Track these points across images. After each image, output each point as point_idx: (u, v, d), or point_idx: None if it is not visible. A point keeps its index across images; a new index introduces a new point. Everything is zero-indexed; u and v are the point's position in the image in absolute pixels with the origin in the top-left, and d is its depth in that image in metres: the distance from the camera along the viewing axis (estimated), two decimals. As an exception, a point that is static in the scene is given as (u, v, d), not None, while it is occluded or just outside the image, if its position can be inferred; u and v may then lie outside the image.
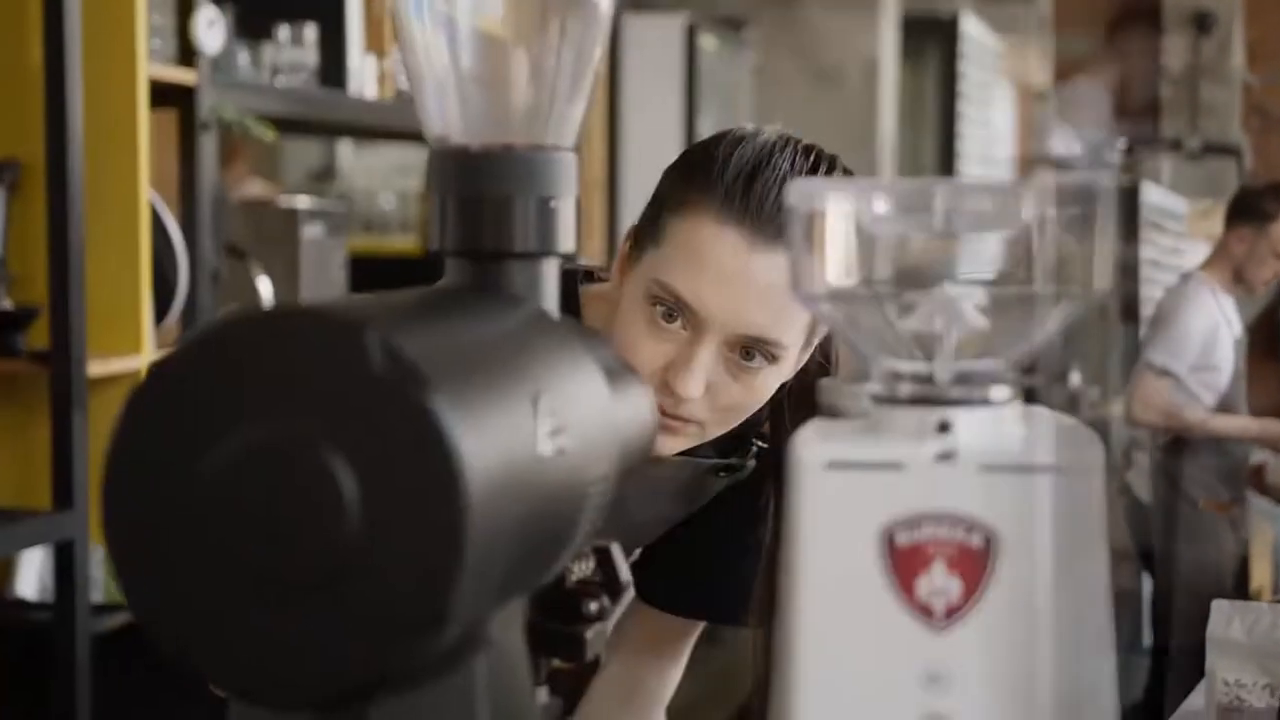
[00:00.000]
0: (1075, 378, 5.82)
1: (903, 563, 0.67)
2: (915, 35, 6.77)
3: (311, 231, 3.08)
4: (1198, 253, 8.58)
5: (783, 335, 1.22)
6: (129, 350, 2.53)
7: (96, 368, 2.45)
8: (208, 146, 2.71)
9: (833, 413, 0.79)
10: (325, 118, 3.27)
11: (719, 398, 1.24)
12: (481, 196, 0.80)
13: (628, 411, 0.83)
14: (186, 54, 2.69)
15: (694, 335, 1.22)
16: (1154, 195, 7.14)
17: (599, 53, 0.84)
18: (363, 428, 0.61)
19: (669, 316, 1.22)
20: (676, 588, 1.45)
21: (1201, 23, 9.17)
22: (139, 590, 0.63)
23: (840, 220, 0.71)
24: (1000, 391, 0.70)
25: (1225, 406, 4.34)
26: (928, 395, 0.70)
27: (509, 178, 0.80)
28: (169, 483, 0.63)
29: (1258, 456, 4.63)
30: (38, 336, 2.42)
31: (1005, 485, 0.68)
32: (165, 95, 2.66)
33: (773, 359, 1.23)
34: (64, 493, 2.36)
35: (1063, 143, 5.57)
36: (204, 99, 2.69)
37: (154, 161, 2.61)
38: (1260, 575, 5.93)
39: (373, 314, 0.64)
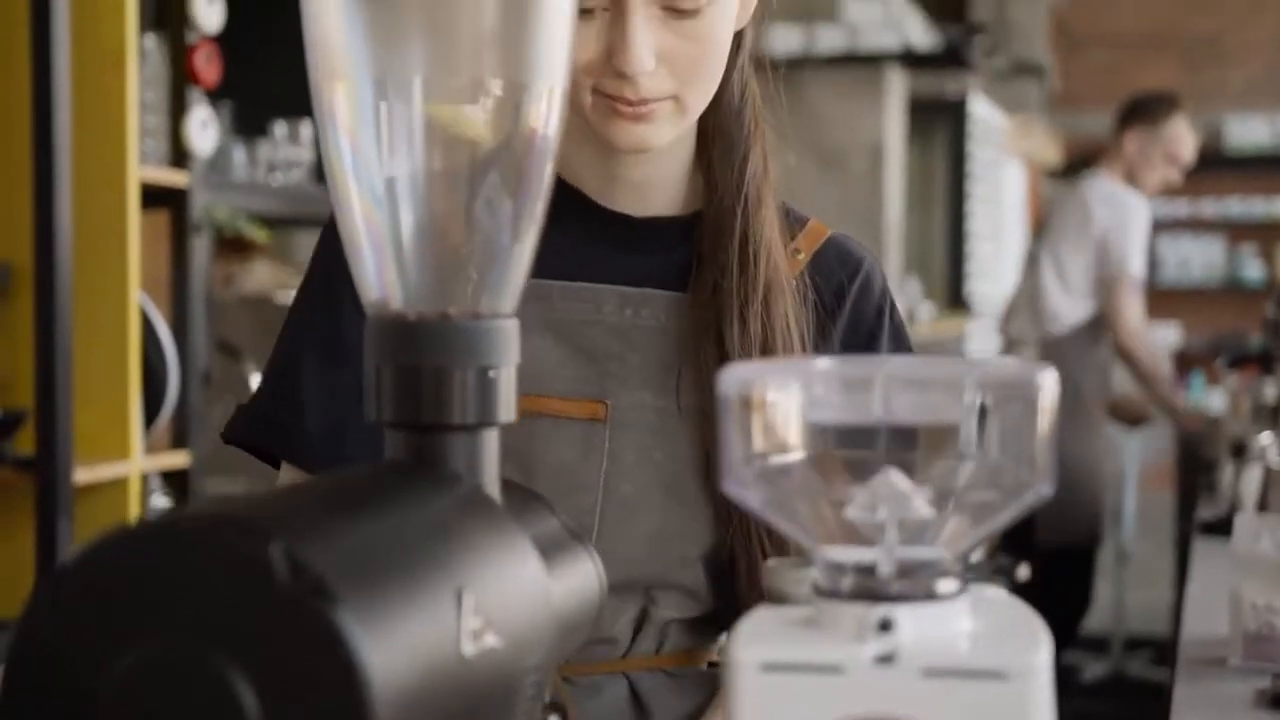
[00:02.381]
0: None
1: (840, 774, 0.64)
2: (923, 117, 6.78)
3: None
4: (1014, 168, 8.60)
5: None
6: (117, 456, 2.51)
7: (84, 474, 2.42)
8: (200, 248, 2.70)
9: (777, 598, 0.76)
10: (320, 215, 3.27)
11: (675, 61, 1.14)
12: (419, 366, 0.78)
13: (567, 588, 0.80)
14: (179, 155, 2.68)
15: (615, 9, 1.12)
16: (979, 108, 7.15)
17: (539, 216, 0.82)
18: (265, 643, 0.58)
19: (588, 5, 1.13)
20: None
21: None
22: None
23: (775, 405, 0.69)
24: (946, 584, 0.67)
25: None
26: (869, 589, 0.67)
27: (447, 348, 0.78)
28: (67, 696, 0.60)
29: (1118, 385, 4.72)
30: (24, 442, 2.40)
31: (948, 690, 0.65)
32: (158, 196, 2.65)
33: None
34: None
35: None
36: (196, 200, 2.68)
37: (146, 261, 2.60)
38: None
39: (282, 517, 0.62)
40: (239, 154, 2.94)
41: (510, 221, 0.81)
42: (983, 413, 0.67)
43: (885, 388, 0.67)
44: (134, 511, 2.53)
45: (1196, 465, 4.65)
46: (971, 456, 0.68)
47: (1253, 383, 4.33)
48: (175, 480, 2.76)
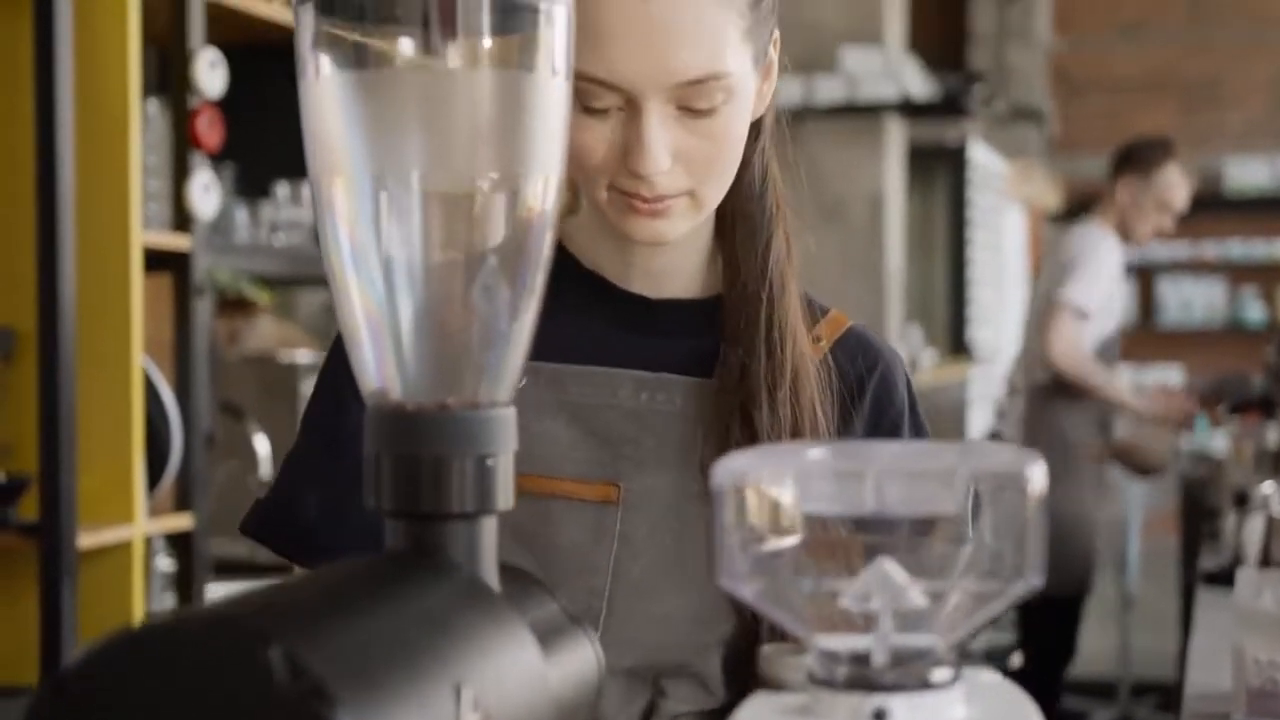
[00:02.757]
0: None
1: None
2: (923, 164, 6.81)
3: (311, 387, 3.07)
4: (1016, 214, 8.62)
5: (720, 64, 1.11)
6: (121, 520, 2.51)
7: (87, 539, 2.43)
8: (202, 310, 2.71)
9: (773, 684, 0.77)
10: (322, 275, 3.27)
11: (691, 159, 1.14)
12: (418, 456, 0.78)
13: (565, 672, 0.81)
14: (182, 218, 2.70)
15: (630, 109, 1.11)
16: (979, 154, 7.17)
17: (537, 304, 0.83)
18: (266, 745, 0.59)
19: (600, 105, 1.12)
20: None
21: None
22: None
23: (769, 496, 0.69)
24: (940, 673, 0.68)
25: (1103, 357, 4.43)
26: (864, 679, 0.68)
27: (445, 437, 0.79)
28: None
29: (1121, 429, 4.68)
30: (28, 508, 2.40)
31: (942, 782, 0.65)
32: (160, 259, 2.67)
33: (727, 94, 1.13)
34: (53, 669, 2.33)
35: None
36: (199, 263, 2.69)
37: (149, 324, 2.61)
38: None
39: (281, 618, 0.62)
40: (241, 215, 2.96)
41: (508, 309, 0.82)
42: (975, 503, 0.68)
43: (878, 479, 0.68)
44: (138, 576, 2.54)
45: (1199, 512, 4.64)
46: (965, 547, 0.69)
47: (1255, 428, 4.33)
48: (179, 542, 2.77)
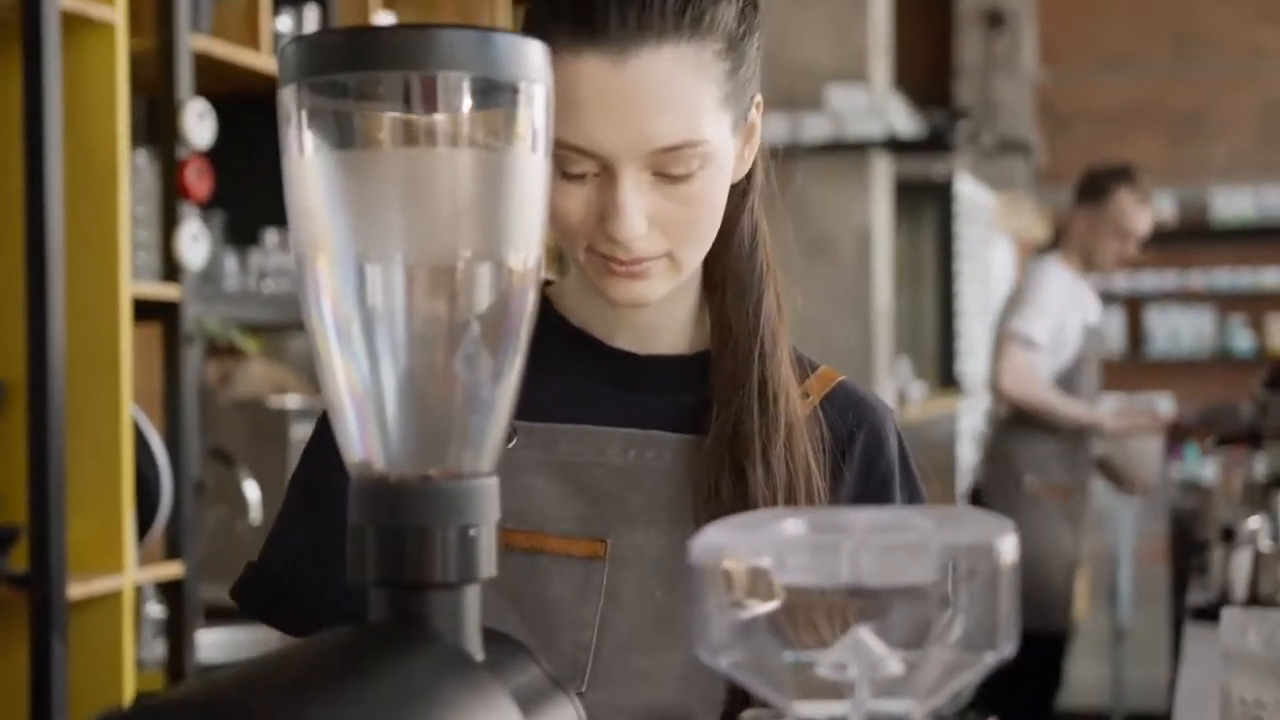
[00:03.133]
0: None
1: None
2: (910, 198, 6.85)
3: (301, 431, 3.08)
4: (1004, 246, 8.65)
5: (695, 132, 1.12)
6: (111, 569, 2.52)
7: (77, 589, 2.43)
8: (192, 359, 2.72)
9: (754, 751, 0.78)
10: (312, 320, 3.29)
11: (668, 223, 1.14)
12: (401, 528, 0.80)
13: (550, 739, 0.82)
14: (171, 268, 2.71)
15: (606, 175, 1.13)
16: (966, 188, 7.20)
17: (518, 375, 0.84)
18: (251, 825, 0.60)
19: (577, 170, 1.13)
20: None
21: (993, 20, 9.30)
22: None
23: (746, 569, 0.71)
24: (916, 740, 0.69)
25: (1064, 386, 4.39)
26: (841, 747, 0.69)
27: (428, 509, 0.80)
28: None
29: (1100, 448, 4.66)
30: (18, 558, 2.41)
31: None
32: (150, 309, 2.68)
33: (703, 159, 1.13)
34: None
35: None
36: (188, 313, 2.71)
37: (138, 374, 2.62)
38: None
39: (264, 696, 0.63)
40: (230, 262, 2.97)
41: (490, 379, 0.83)
42: (950, 575, 0.69)
43: (853, 551, 0.70)
44: (128, 625, 2.54)
45: (1189, 543, 4.64)
46: (940, 616, 0.70)
47: (1243, 458, 4.34)
48: (169, 589, 2.77)
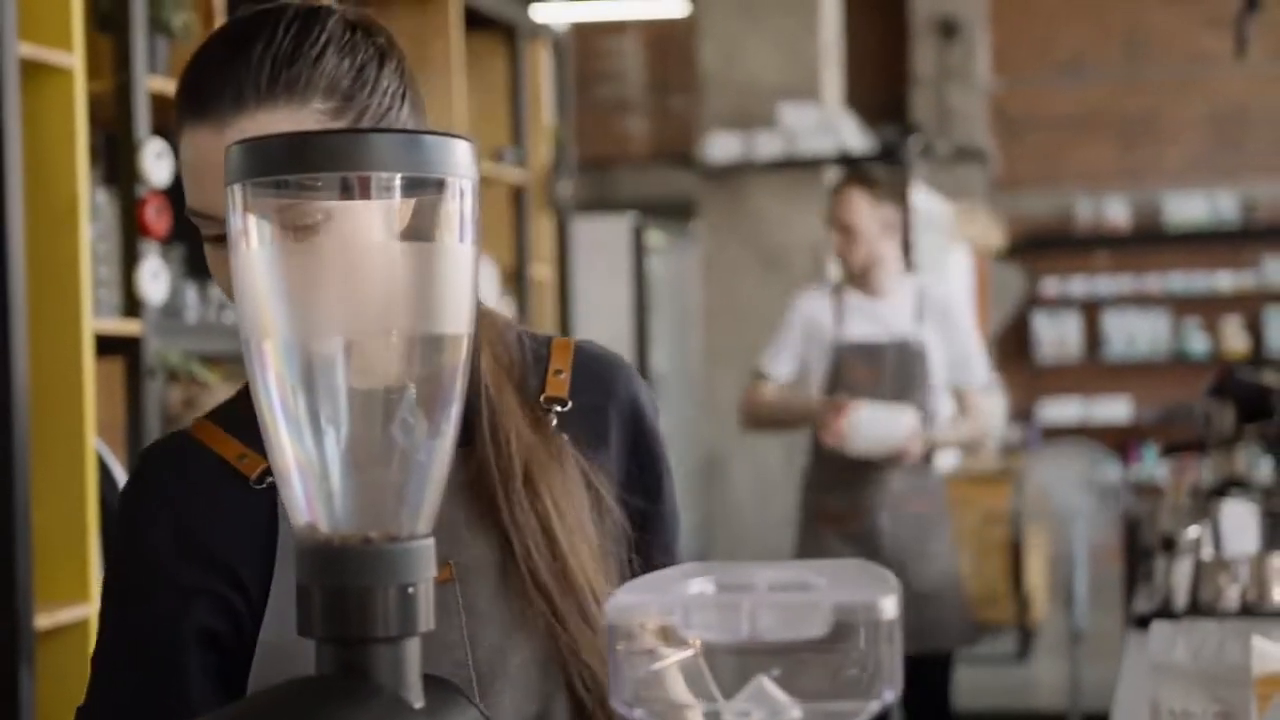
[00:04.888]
0: None
1: None
2: (865, 209, 6.92)
3: (262, 457, 3.13)
4: (960, 254, 8.74)
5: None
6: (76, 599, 2.58)
7: (44, 620, 2.49)
8: (153, 393, 2.78)
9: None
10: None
11: None
12: (344, 587, 0.86)
13: (487, 781, 0.89)
14: (132, 304, 2.77)
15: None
16: (921, 199, 7.30)
17: (451, 445, 0.91)
18: None
19: (215, 233, 1.20)
20: None
21: (946, 29, 9.41)
22: None
23: (654, 629, 0.78)
24: (813, 780, 0.77)
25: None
26: (744, 787, 0.76)
27: (369, 570, 0.87)
28: None
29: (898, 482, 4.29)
30: (-17, 593, 2.46)
31: None
32: (111, 344, 2.73)
33: (325, 214, 1.10)
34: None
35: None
36: (149, 347, 2.77)
37: (101, 408, 2.68)
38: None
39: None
40: (190, 295, 3.03)
41: (425, 447, 0.90)
42: (840, 629, 0.77)
43: (753, 609, 0.77)
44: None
45: (1139, 549, 4.71)
46: (831, 666, 0.78)
47: (1194, 463, 4.41)
48: (135, 616, 2.83)
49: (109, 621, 1.29)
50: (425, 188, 0.87)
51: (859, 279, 4.18)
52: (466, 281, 0.89)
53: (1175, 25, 10.00)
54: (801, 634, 0.77)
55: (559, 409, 1.31)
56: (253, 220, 0.87)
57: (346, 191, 0.87)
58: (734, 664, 0.79)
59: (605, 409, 1.34)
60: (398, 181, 0.86)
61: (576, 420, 1.32)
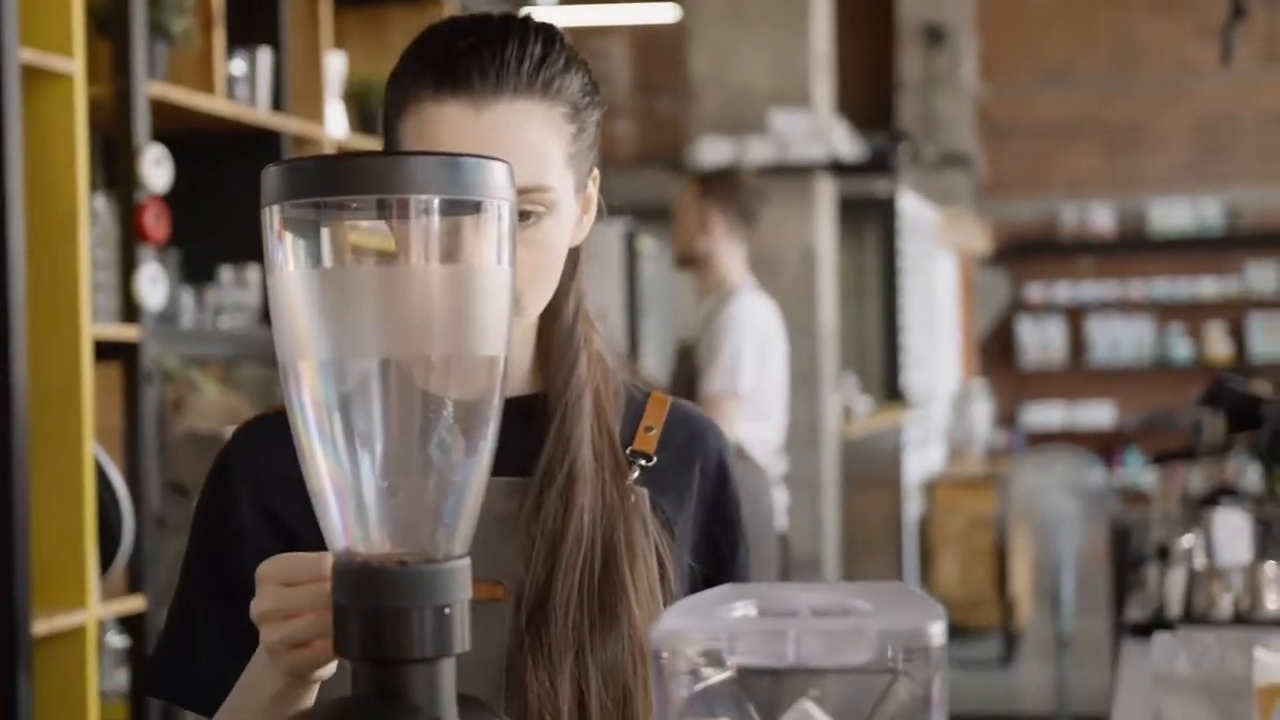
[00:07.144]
0: None
1: None
2: (854, 216, 6.94)
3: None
4: (947, 260, 8.72)
5: (544, 176, 1.20)
6: (74, 605, 2.57)
7: (42, 625, 2.48)
8: (151, 397, 2.78)
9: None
10: (267, 354, 3.35)
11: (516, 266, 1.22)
12: (381, 609, 0.87)
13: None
14: (130, 309, 2.77)
15: None
16: (908, 204, 7.31)
17: (487, 466, 0.91)
18: None
19: None
20: None
21: (934, 36, 9.42)
22: None
23: (700, 654, 0.78)
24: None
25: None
26: (786, 810, 0.77)
27: (406, 591, 0.87)
28: None
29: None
30: (-19, 599, 2.45)
31: None
32: (110, 350, 2.73)
33: (549, 207, 1.21)
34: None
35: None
36: (147, 352, 2.76)
37: (99, 412, 2.67)
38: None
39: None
40: (188, 299, 3.03)
41: (461, 467, 0.90)
42: (887, 655, 0.77)
43: (798, 636, 0.77)
44: (91, 659, 2.59)
45: (1128, 552, 4.71)
46: (878, 691, 0.78)
47: (1182, 469, 4.41)
48: (131, 622, 2.82)
49: (192, 578, 1.30)
50: (463, 209, 0.87)
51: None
52: (503, 301, 0.90)
53: (1162, 34, 10.03)
54: (847, 660, 0.78)
55: (643, 463, 1.31)
56: (289, 241, 0.88)
57: (384, 212, 0.88)
58: (773, 686, 0.79)
59: (690, 471, 1.34)
60: (436, 204, 0.86)
61: (659, 477, 1.32)
